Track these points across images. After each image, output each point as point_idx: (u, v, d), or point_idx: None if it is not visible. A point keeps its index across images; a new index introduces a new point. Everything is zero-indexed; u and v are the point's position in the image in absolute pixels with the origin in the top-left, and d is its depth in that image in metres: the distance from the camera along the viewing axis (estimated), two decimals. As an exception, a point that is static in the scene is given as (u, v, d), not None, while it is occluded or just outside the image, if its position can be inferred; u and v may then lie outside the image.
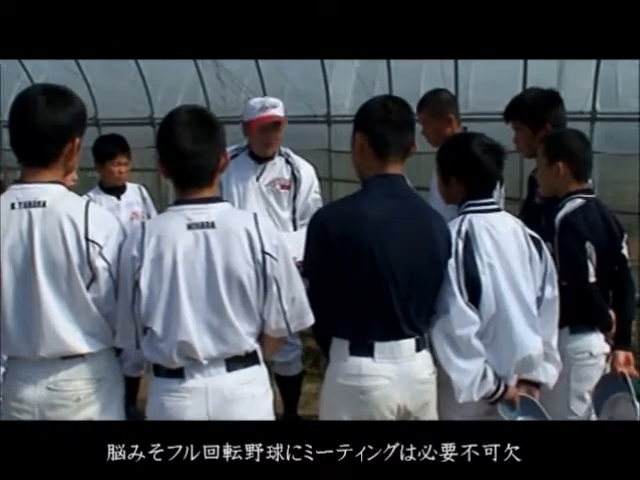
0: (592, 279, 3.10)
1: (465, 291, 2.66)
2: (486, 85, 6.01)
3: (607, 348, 3.19)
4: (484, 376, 2.67)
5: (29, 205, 2.34)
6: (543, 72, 5.53)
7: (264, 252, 2.38)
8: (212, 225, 2.36)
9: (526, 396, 2.77)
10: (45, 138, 2.36)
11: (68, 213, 2.35)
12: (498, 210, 2.88)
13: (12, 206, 2.35)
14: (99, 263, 2.35)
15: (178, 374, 2.39)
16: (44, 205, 2.34)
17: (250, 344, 2.43)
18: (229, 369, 2.40)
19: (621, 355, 3.21)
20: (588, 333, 3.15)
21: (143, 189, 5.00)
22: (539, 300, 2.82)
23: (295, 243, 2.74)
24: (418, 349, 2.65)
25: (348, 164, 6.46)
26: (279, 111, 4.17)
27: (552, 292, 2.84)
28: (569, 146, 3.22)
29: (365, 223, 2.58)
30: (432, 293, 2.68)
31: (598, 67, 5.64)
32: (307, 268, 2.64)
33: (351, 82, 6.70)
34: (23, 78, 7.36)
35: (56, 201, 2.36)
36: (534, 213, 3.45)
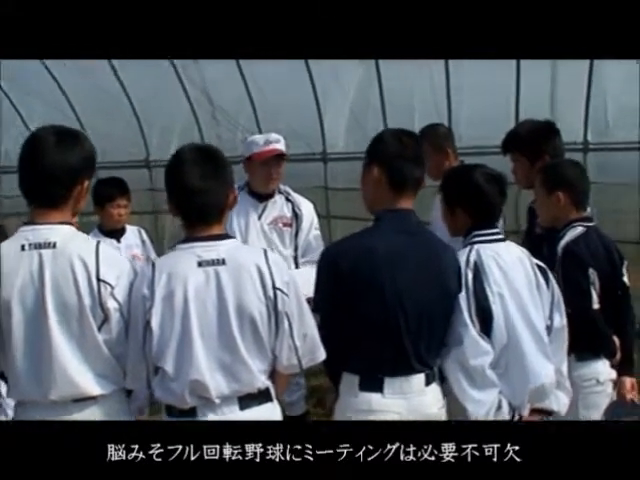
0: (596, 306, 3.13)
1: (477, 321, 2.67)
2: (478, 120, 6.10)
3: (613, 374, 3.21)
4: (499, 407, 2.67)
5: (39, 246, 2.34)
6: (535, 105, 5.64)
7: (275, 288, 2.38)
8: (223, 262, 2.37)
9: None
10: (55, 179, 2.38)
11: (79, 253, 2.35)
12: (503, 240, 2.91)
13: (22, 247, 2.35)
14: (111, 304, 2.35)
15: (191, 414, 2.36)
16: (54, 246, 2.34)
17: (262, 381, 2.42)
18: (242, 407, 2.39)
19: (628, 381, 3.23)
20: (594, 360, 3.16)
21: (142, 231, 5.02)
22: (548, 328, 2.83)
23: (304, 280, 2.76)
24: (427, 383, 2.65)
25: (344, 201, 6.59)
26: (282, 145, 4.25)
27: (561, 320, 2.86)
28: (567, 176, 3.27)
29: (376, 258, 2.58)
30: (443, 328, 2.69)
31: (588, 99, 5.75)
32: (318, 303, 2.64)
33: (344, 120, 6.78)
34: (18, 123, 7.41)
35: (66, 242, 2.36)
36: (535, 243, 3.47)
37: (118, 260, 2.47)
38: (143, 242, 4.93)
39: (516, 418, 2.70)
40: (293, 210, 4.40)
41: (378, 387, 2.60)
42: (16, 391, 2.41)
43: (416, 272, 2.61)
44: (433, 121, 4.86)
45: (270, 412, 2.45)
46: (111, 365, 2.40)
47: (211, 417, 2.36)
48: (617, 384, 3.23)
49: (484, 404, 2.65)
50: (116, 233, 4.76)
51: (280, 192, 4.39)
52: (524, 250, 2.94)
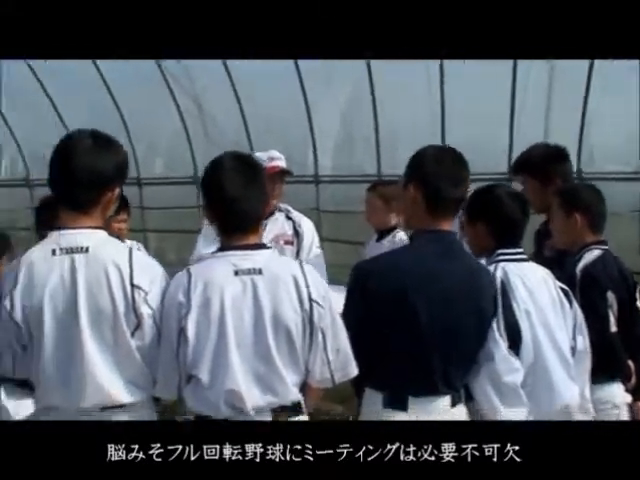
0: (613, 329, 3.14)
1: (505, 338, 2.63)
2: (471, 147, 6.13)
3: (628, 398, 3.21)
4: None
5: (71, 251, 2.28)
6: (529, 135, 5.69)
7: (311, 300, 2.34)
8: (259, 272, 2.32)
9: None
10: (86, 184, 2.32)
11: (113, 259, 2.29)
12: (527, 260, 2.90)
13: (53, 252, 2.28)
14: (144, 309, 2.29)
15: None
16: (87, 251, 2.28)
17: (295, 394, 2.37)
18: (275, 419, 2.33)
19: (642, 405, 3.24)
20: (610, 383, 3.16)
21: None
22: (572, 350, 2.82)
23: None
24: (453, 404, 2.59)
25: (335, 223, 6.56)
26: (283, 163, 4.25)
27: (583, 343, 2.85)
28: (585, 199, 3.30)
29: (410, 280, 2.51)
30: (475, 352, 2.61)
31: (582, 133, 5.87)
32: (346, 319, 2.53)
33: (332, 142, 6.79)
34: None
35: (99, 247, 2.31)
36: (545, 266, 3.49)
37: (151, 265, 2.40)
38: None
39: None
40: (294, 228, 4.38)
41: (402, 406, 2.54)
42: (44, 397, 2.33)
43: (450, 295, 2.53)
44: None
45: None
46: (142, 373, 2.33)
47: None
48: (632, 408, 3.23)
49: None
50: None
51: (280, 210, 4.37)
52: (548, 271, 2.93)
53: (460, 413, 2.62)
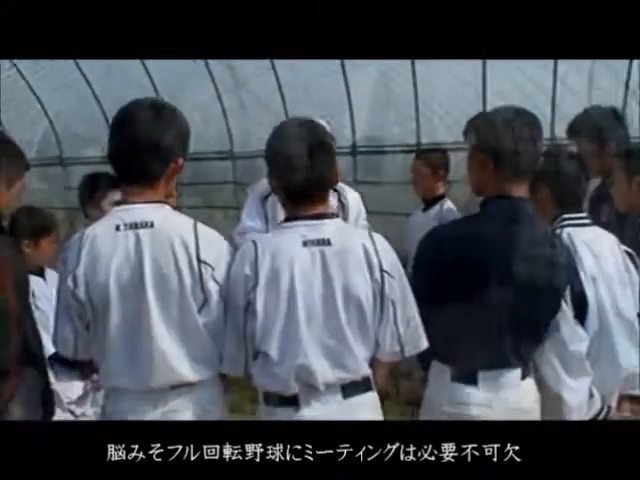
0: None
1: (571, 306, 2.55)
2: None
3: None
4: (591, 395, 2.59)
5: (136, 226, 2.22)
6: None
7: (382, 270, 2.26)
8: (328, 242, 2.25)
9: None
10: (151, 156, 2.24)
11: (179, 233, 2.23)
12: (591, 225, 2.82)
13: (117, 228, 2.23)
14: (211, 286, 2.23)
15: (292, 402, 2.26)
16: (152, 226, 2.22)
17: (365, 369, 2.30)
18: (345, 395, 2.28)
19: None
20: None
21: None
22: (639, 317, 2.73)
23: None
24: (523, 377, 2.52)
25: (371, 195, 6.44)
26: (329, 129, 4.16)
27: None
28: None
29: (482, 248, 2.42)
30: (547, 322, 2.53)
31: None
32: (415, 287, 2.43)
33: (369, 112, 6.68)
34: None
35: (164, 221, 2.25)
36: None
37: (217, 239, 2.33)
38: None
39: (605, 409, 2.63)
40: (339, 199, 4.28)
41: (472, 380, 2.48)
42: (110, 378, 2.29)
43: (522, 263, 2.43)
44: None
45: (372, 401, 2.35)
46: (209, 349, 2.28)
47: (314, 405, 2.25)
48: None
49: (579, 392, 2.55)
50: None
51: (325, 180, 4.28)
52: (612, 236, 2.85)
53: (530, 386, 2.56)
